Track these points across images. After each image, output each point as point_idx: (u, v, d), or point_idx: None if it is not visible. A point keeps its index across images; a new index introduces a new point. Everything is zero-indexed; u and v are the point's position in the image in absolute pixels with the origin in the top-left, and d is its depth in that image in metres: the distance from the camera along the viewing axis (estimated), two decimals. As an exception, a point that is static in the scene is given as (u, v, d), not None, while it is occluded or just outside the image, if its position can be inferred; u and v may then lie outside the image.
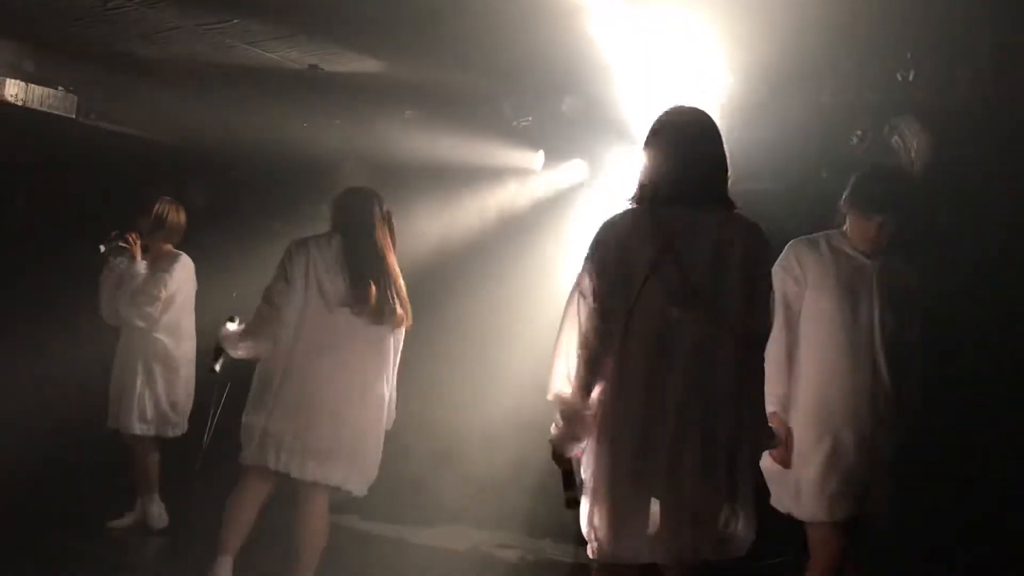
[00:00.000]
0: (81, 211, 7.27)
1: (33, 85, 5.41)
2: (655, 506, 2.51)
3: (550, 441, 2.65)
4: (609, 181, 5.45)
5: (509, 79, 5.22)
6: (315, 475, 3.67)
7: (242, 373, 4.10)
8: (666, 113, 2.78)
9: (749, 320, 2.56)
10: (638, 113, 5.10)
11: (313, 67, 5.32)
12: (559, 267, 5.65)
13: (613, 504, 2.54)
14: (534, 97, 5.40)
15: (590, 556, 2.63)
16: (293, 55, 5.17)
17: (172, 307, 5.04)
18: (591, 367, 2.57)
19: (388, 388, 3.83)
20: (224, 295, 7.00)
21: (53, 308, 6.90)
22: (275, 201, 7.01)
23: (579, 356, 2.58)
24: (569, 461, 2.65)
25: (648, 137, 2.75)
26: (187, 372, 5.19)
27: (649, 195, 2.65)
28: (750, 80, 4.42)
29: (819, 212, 4.76)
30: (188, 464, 6.63)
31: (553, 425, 2.64)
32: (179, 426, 5.23)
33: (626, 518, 2.54)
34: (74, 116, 5.67)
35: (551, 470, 2.72)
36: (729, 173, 2.70)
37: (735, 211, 2.67)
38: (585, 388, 2.58)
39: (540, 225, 5.72)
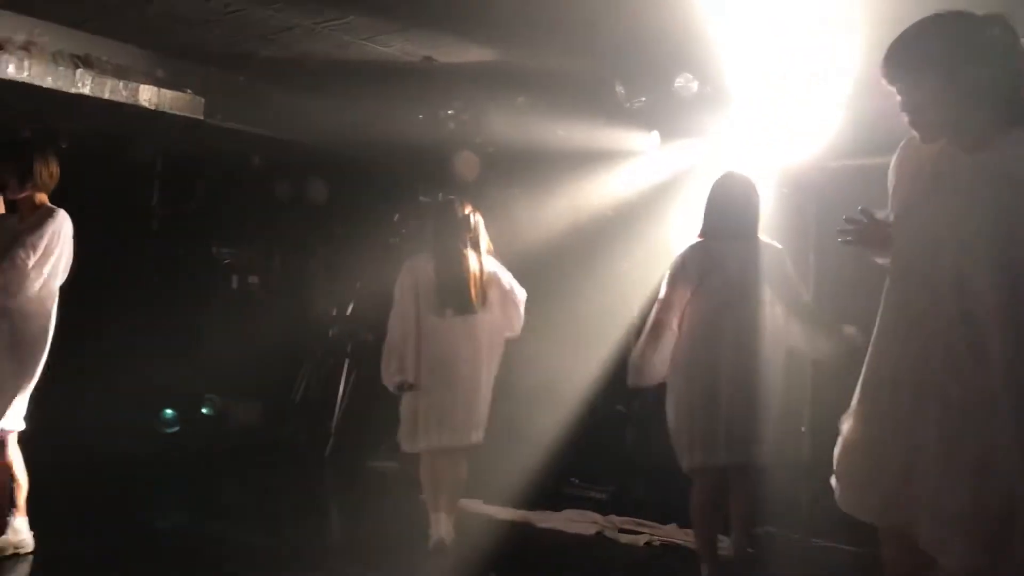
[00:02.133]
0: (207, 208, 7.60)
1: (164, 90, 5.64)
2: (712, 424, 3.90)
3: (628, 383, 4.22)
4: (724, 159, 5.34)
5: (621, 60, 5.16)
6: (464, 440, 4.61)
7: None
8: (720, 178, 4.14)
9: (764, 306, 3.94)
10: (752, 89, 4.97)
11: (427, 59, 5.39)
12: (675, 246, 5.58)
13: (685, 427, 3.97)
14: (647, 77, 5.33)
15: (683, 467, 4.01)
16: (407, 48, 5.25)
17: (40, 274, 4.12)
18: (654, 338, 4.06)
19: (490, 361, 4.73)
20: (349, 285, 7.23)
21: (182, 303, 7.24)
22: (393, 192, 7.15)
23: (646, 331, 4.12)
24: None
25: (708, 194, 4.13)
26: (36, 356, 4.17)
27: (705, 233, 4.08)
28: (871, 51, 4.24)
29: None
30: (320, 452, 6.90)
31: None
32: (12, 420, 4.11)
33: (692, 435, 3.94)
34: (202, 118, 5.89)
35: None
36: (759, 217, 4.08)
37: (761, 240, 4.04)
38: (650, 349, 4.05)
39: (656, 206, 5.64)
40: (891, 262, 2.20)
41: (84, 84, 5.30)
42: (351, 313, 7.41)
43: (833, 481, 2.27)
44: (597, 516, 5.31)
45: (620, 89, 5.39)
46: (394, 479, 6.24)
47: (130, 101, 5.52)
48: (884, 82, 2.17)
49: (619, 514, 5.31)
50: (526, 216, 5.83)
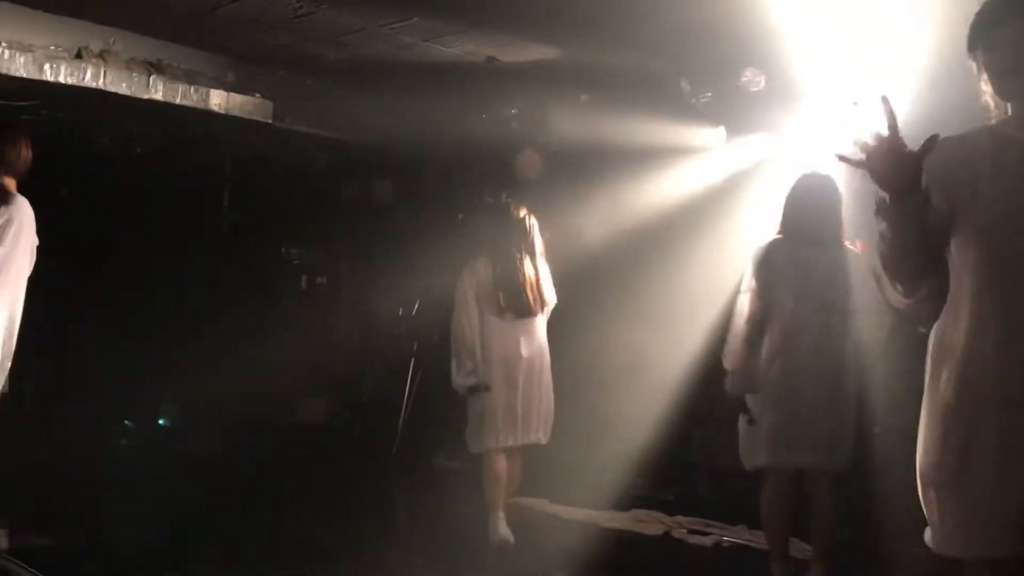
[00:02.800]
0: (276, 210, 7.73)
1: (234, 94, 5.75)
2: (792, 426, 3.88)
3: (726, 387, 4.04)
4: (793, 153, 5.24)
5: (686, 55, 5.10)
6: (530, 439, 4.73)
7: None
8: (800, 178, 4.09)
9: (848, 313, 3.92)
10: (821, 81, 4.86)
11: (491, 59, 5.40)
12: (745, 242, 5.49)
13: (762, 427, 3.94)
14: (713, 72, 5.26)
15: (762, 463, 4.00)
16: (471, 48, 5.26)
17: None
18: (750, 338, 3.98)
19: (548, 362, 4.86)
20: (412, 285, 7.28)
21: (252, 303, 7.37)
22: (458, 193, 7.17)
23: (743, 332, 4.00)
24: (742, 399, 4.01)
25: (788, 195, 4.08)
26: None
27: (788, 233, 4.02)
28: (944, 41, 4.11)
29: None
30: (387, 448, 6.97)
31: (727, 378, 4.04)
32: None
33: (769, 435, 3.92)
34: (270, 121, 5.99)
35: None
36: (843, 220, 4.02)
37: (844, 245, 4.00)
38: (748, 351, 3.97)
39: (723, 202, 5.57)
40: (981, 263, 1.91)
41: (157, 90, 5.44)
42: (416, 312, 7.46)
43: (933, 519, 1.99)
44: (664, 516, 5.27)
45: (685, 85, 5.33)
46: (460, 478, 6.26)
47: (201, 106, 5.63)
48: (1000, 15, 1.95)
49: (687, 515, 5.26)
50: (591, 214, 5.80)
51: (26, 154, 4.02)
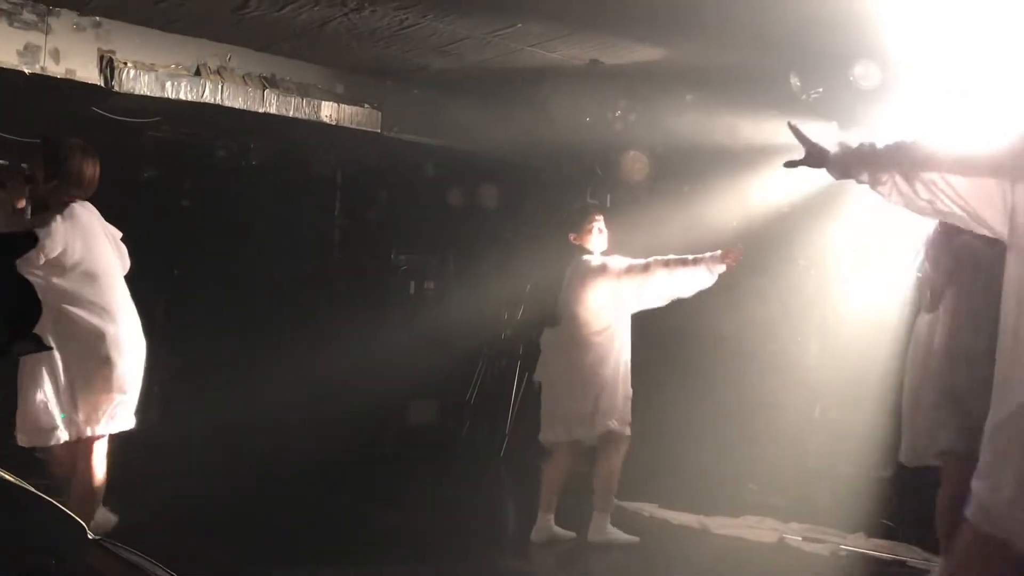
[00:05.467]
0: (385, 217, 7.89)
1: (344, 105, 5.91)
2: None
3: None
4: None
5: (795, 50, 4.98)
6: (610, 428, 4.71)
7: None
8: None
9: None
10: (938, 74, 4.69)
11: (594, 61, 5.39)
12: (857, 249, 5.33)
13: None
14: (823, 67, 5.12)
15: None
16: (574, 52, 5.27)
17: (71, 273, 3.73)
18: None
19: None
20: (519, 288, 7.33)
21: (363, 308, 7.53)
22: (562, 196, 7.18)
23: None
24: None
25: None
26: (84, 366, 3.78)
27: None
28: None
29: None
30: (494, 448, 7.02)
31: None
32: (95, 422, 3.82)
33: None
34: (379, 130, 6.12)
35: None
36: None
37: None
38: None
39: (835, 201, 5.41)
40: None
41: (271, 103, 5.63)
42: (521, 316, 7.50)
43: None
44: (777, 523, 5.15)
45: (795, 80, 5.20)
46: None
47: (312, 117, 5.80)
48: None
49: (801, 521, 5.13)
50: (697, 215, 5.72)
51: (91, 171, 3.87)
